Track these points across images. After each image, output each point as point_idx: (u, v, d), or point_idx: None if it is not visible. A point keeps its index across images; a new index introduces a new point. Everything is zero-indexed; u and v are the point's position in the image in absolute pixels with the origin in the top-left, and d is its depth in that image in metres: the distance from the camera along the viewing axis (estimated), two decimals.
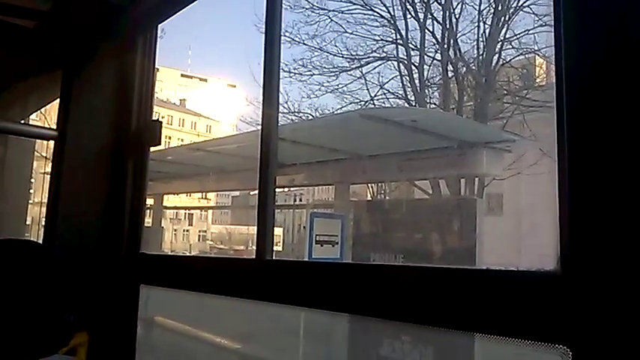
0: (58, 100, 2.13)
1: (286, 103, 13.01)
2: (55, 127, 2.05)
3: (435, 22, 12.36)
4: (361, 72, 12.99)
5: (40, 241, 2.05)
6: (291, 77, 13.02)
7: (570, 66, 0.92)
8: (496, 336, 1.00)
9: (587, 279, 0.85)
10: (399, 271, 1.26)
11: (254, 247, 1.63)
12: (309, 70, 13.21)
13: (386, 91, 12.85)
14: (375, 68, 12.94)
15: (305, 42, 13.23)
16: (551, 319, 0.90)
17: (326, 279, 1.34)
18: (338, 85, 13.13)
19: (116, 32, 2.13)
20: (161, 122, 2.08)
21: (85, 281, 1.92)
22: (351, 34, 13.06)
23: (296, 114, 13.47)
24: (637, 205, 0.80)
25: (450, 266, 1.11)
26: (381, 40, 12.90)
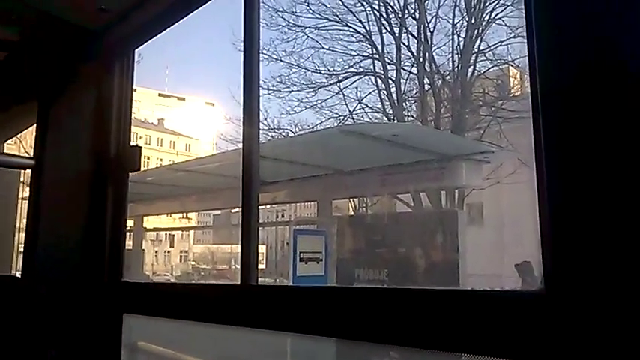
0: (34, 127, 2.10)
1: (266, 120, 13.04)
2: (32, 154, 2.02)
3: (410, 37, 12.56)
4: (339, 87, 13.12)
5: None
6: (269, 94, 13.08)
7: (544, 76, 0.93)
8: (482, 356, 1.00)
9: (572, 298, 0.85)
10: (384, 293, 1.25)
11: (237, 266, 1.61)
12: (288, 87, 13.30)
13: (364, 106, 12.99)
14: (352, 83, 13.08)
15: (282, 59, 13.33)
16: (536, 339, 0.90)
17: (311, 303, 1.34)
18: (317, 101, 13.23)
19: (93, 58, 2.11)
20: (140, 147, 2.06)
21: (67, 313, 1.88)
22: (328, 49, 13.21)
23: (276, 130, 13.51)
24: (622, 216, 0.80)
25: (435, 287, 1.11)
26: (358, 55, 13.07)
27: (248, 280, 1.56)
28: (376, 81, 12.88)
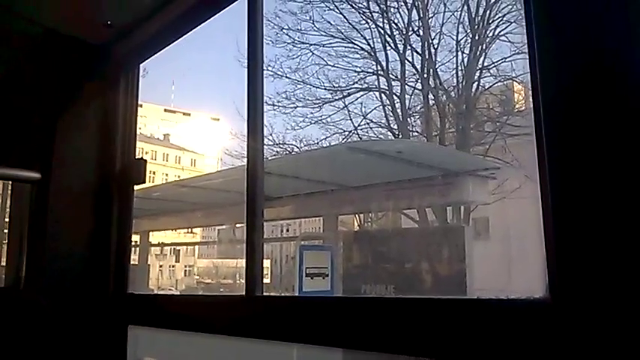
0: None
1: (271, 135, 13.08)
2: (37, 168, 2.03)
3: (414, 53, 12.62)
4: (344, 103, 13.16)
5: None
6: (275, 110, 13.14)
7: (546, 91, 0.94)
8: None
9: (577, 306, 0.85)
10: (389, 303, 1.25)
11: (241, 281, 1.61)
12: (293, 103, 13.36)
13: (369, 121, 13.02)
14: (357, 99, 13.12)
15: (288, 75, 13.40)
16: (542, 347, 0.89)
17: (317, 314, 1.33)
18: (322, 116, 13.27)
19: (98, 73, 2.14)
20: (146, 160, 2.07)
21: (72, 325, 1.88)
22: (333, 66, 13.29)
23: (281, 145, 13.54)
24: (623, 228, 0.81)
25: (441, 297, 1.11)
26: (363, 71, 13.13)
27: (253, 292, 1.56)
28: (381, 97, 12.94)
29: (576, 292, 0.85)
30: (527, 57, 1.00)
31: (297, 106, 13.31)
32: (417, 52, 12.57)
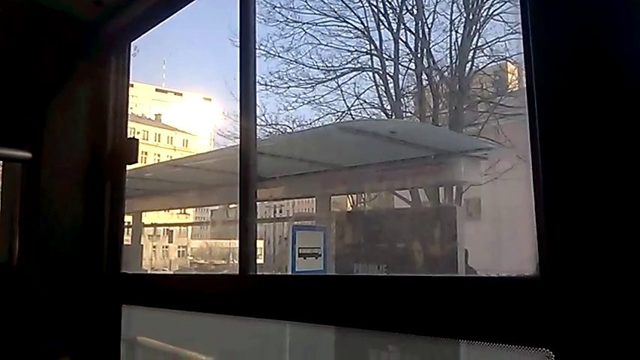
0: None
1: (263, 115, 12.99)
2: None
3: (408, 33, 12.52)
4: (337, 83, 13.08)
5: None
6: (267, 90, 13.03)
7: (540, 71, 0.94)
8: (479, 342, 1.01)
9: (566, 283, 0.86)
10: (381, 281, 1.27)
11: (235, 261, 1.62)
12: (286, 83, 13.24)
13: (362, 102, 12.96)
14: (350, 79, 13.04)
15: (280, 55, 13.27)
16: (533, 324, 0.91)
17: (310, 292, 1.35)
18: (314, 97, 13.19)
19: (88, 51, 2.11)
20: (137, 140, 2.06)
21: (66, 305, 1.89)
22: (326, 45, 13.15)
23: (273, 126, 13.47)
24: (612, 208, 0.82)
25: (432, 275, 1.12)
26: (356, 51, 13.02)
27: (247, 271, 1.57)
28: (374, 77, 12.85)
29: (565, 270, 0.87)
30: (521, 37, 1.00)
31: (290, 86, 13.21)
32: (411, 32, 12.48)
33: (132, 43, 2.17)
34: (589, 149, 0.85)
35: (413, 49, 12.52)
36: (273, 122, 13.43)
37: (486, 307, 0.99)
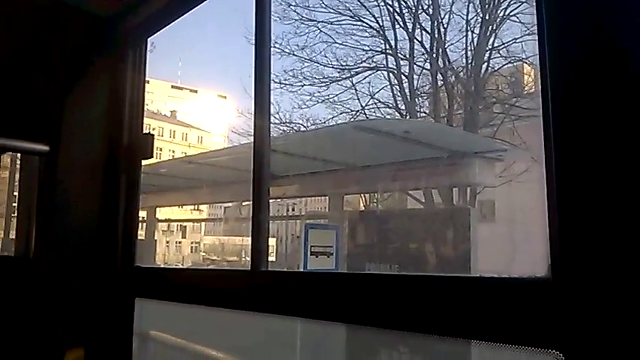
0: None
1: (277, 113, 13.01)
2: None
3: (423, 32, 12.45)
4: (351, 82, 13.05)
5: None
6: (282, 88, 13.05)
7: (554, 73, 0.93)
8: (490, 342, 1.00)
9: (578, 284, 0.86)
10: (393, 279, 1.26)
11: (247, 258, 1.63)
12: (300, 81, 13.24)
13: (376, 101, 12.92)
14: (365, 78, 13.00)
15: (295, 53, 13.28)
16: (544, 325, 0.90)
17: (321, 289, 1.35)
18: (329, 96, 13.18)
19: (106, 46, 2.13)
20: (153, 135, 2.08)
21: (80, 297, 1.91)
22: (341, 44, 13.13)
23: (287, 124, 13.48)
24: (625, 210, 0.81)
25: (443, 274, 1.12)
26: (371, 50, 12.98)
27: (259, 267, 1.58)
28: (389, 76, 12.81)
29: (576, 272, 0.86)
30: (537, 38, 1.00)
31: (304, 85, 13.21)
32: (427, 31, 12.41)
33: (148, 39, 2.19)
34: (602, 151, 0.84)
35: (428, 49, 12.46)
36: (287, 120, 13.46)
37: (497, 308, 0.98)
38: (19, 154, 2.14)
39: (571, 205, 0.88)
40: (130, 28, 2.13)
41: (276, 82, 12.58)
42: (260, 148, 1.67)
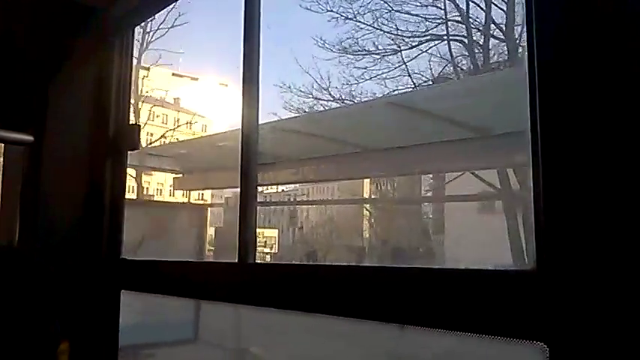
0: None
1: (327, 89, 11.67)
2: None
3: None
4: (420, 49, 10.82)
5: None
6: (340, 57, 11.35)
7: (542, 62, 0.91)
8: (474, 334, 0.99)
9: (563, 276, 0.85)
10: (381, 271, 1.26)
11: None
12: (358, 51, 11.24)
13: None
14: (430, 48, 10.78)
15: (352, 18, 11.06)
16: (528, 317, 0.90)
17: (308, 282, 1.34)
18: (381, 72, 11.15)
19: (93, 35, 2.10)
20: (139, 126, 2.05)
21: (66, 289, 1.90)
22: (403, 13, 10.82)
23: (338, 101, 11.86)
24: (611, 202, 0.80)
25: (428, 266, 1.11)
26: (436, 18, 10.62)
27: (246, 259, 1.55)
28: (450, 50, 10.69)
29: (562, 264, 0.85)
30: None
31: (361, 57, 11.24)
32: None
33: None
34: (589, 143, 0.83)
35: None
36: (339, 97, 11.86)
37: (482, 300, 0.97)
38: (2, 144, 2.11)
39: (557, 196, 0.87)
40: (116, 17, 2.10)
41: (331, 51, 11.28)
42: (248, 135, 1.65)
